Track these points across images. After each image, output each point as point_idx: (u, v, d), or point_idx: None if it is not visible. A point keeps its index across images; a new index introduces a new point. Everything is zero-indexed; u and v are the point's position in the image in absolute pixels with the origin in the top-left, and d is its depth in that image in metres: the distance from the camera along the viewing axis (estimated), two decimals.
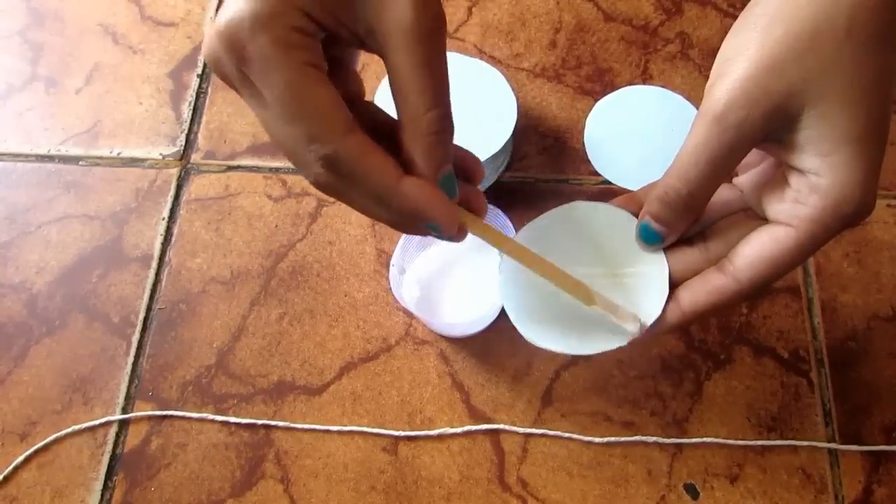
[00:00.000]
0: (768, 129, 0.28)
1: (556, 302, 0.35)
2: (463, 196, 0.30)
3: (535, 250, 0.35)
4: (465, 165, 0.31)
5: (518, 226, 0.44)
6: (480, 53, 0.58)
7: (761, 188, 0.32)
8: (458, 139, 0.50)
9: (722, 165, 0.29)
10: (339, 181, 0.27)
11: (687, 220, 0.32)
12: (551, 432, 0.46)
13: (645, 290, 0.34)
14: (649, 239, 0.33)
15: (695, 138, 0.29)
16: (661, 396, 0.47)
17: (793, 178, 0.29)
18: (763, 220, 0.32)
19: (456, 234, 0.29)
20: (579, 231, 0.36)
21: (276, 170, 0.55)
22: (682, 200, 0.30)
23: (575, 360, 0.48)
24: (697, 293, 0.32)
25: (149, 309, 0.50)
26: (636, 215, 0.36)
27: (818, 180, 0.28)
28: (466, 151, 0.31)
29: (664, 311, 0.33)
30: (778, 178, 0.31)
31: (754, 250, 0.30)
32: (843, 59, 0.27)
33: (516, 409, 0.47)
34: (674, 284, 0.33)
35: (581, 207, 0.37)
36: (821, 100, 0.27)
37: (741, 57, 0.28)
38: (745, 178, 0.34)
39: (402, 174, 0.27)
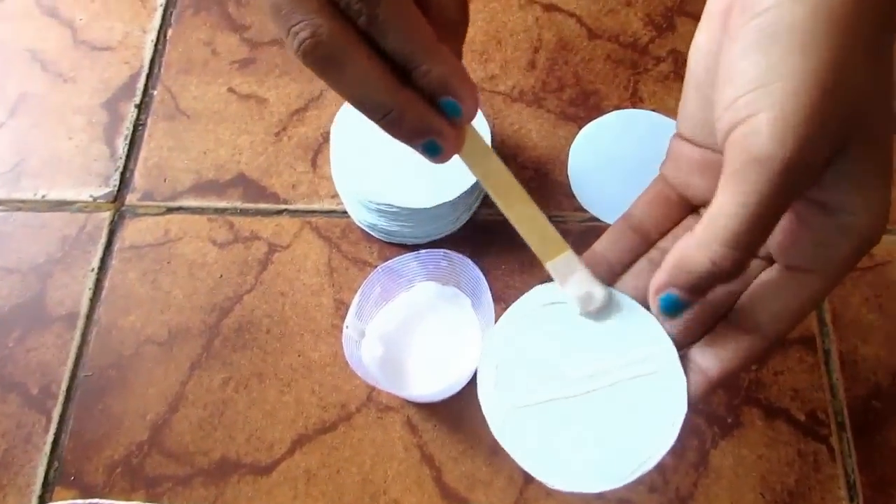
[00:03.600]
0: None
1: (571, 429, 0.29)
2: None
3: (511, 366, 0.30)
4: None
5: (490, 270, 0.38)
6: None
7: None
8: (424, 174, 0.44)
9: (778, 219, 0.25)
10: (348, 39, 0.23)
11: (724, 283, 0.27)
12: None
13: (660, 382, 0.29)
14: (674, 310, 0.28)
15: (747, 196, 0.24)
16: (660, 469, 0.41)
17: (814, 218, 0.26)
18: (760, 259, 0.28)
19: (456, 139, 0.26)
20: (557, 326, 0.30)
21: (223, 210, 0.48)
22: (736, 267, 0.25)
23: None
24: (724, 358, 0.28)
25: (73, 377, 0.44)
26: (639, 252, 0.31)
27: (851, 219, 0.25)
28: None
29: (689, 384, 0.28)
30: (786, 216, 0.27)
31: (782, 304, 0.27)
32: (869, 83, 0.24)
33: (495, 487, 0.41)
34: (678, 347, 0.29)
35: (544, 293, 0.31)
36: (861, 131, 0.24)
37: (787, 84, 0.23)
38: None
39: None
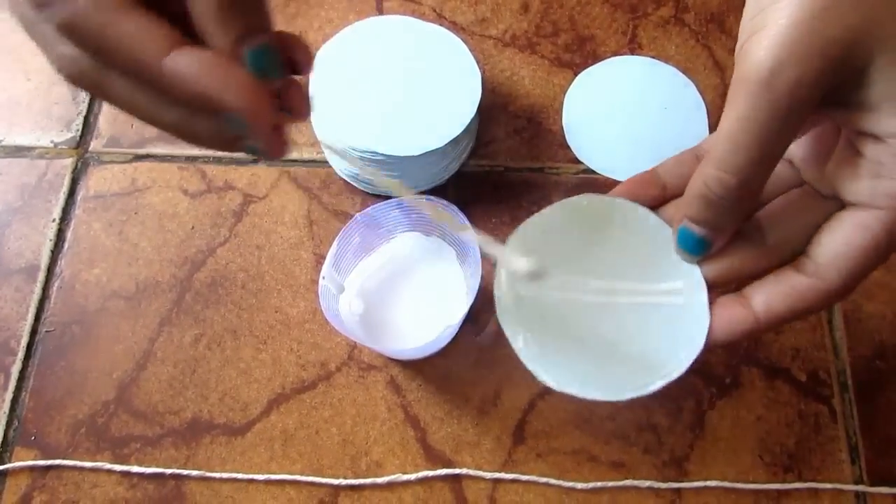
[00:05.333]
0: (828, 87, 0.23)
1: (581, 335, 0.29)
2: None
3: (538, 257, 0.28)
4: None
5: (479, 223, 0.36)
6: (440, 18, 0.49)
7: (822, 160, 0.27)
8: (411, 120, 0.41)
9: (776, 143, 0.23)
10: (88, 63, 0.20)
11: (739, 218, 0.26)
12: (524, 477, 0.38)
13: (682, 315, 0.28)
14: (693, 248, 0.27)
15: (736, 114, 0.23)
16: (655, 430, 0.39)
17: (868, 148, 0.24)
18: (826, 197, 0.27)
19: (271, 138, 0.22)
20: (593, 234, 0.30)
21: (194, 158, 0.45)
22: (732, 194, 0.24)
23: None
24: (775, 297, 0.26)
25: (34, 332, 0.41)
26: (655, 205, 0.30)
27: None
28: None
29: (729, 317, 0.27)
30: (845, 147, 0.25)
31: (839, 244, 0.25)
32: None
33: (482, 449, 0.39)
34: (728, 284, 0.28)
35: (592, 203, 0.30)
36: (892, 45, 0.22)
37: (783, 2, 0.22)
38: (796, 146, 0.28)
39: (173, 45, 0.20)
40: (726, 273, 0.27)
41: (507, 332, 0.28)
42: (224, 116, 0.21)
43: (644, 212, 0.29)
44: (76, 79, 0.21)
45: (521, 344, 0.28)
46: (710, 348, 0.27)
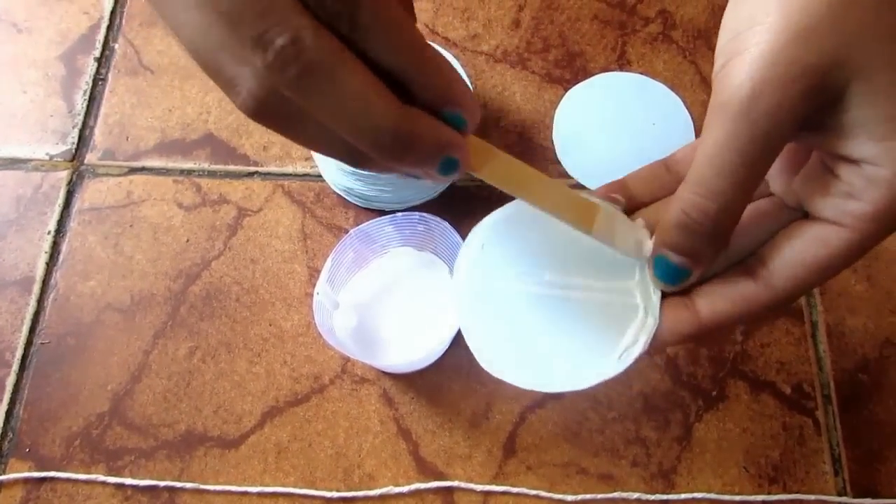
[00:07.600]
0: (807, 113, 0.23)
1: (526, 323, 0.29)
2: None
3: (496, 249, 0.29)
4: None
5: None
6: (432, 34, 0.50)
7: (792, 175, 0.27)
8: None
9: (756, 168, 0.23)
10: (335, 45, 0.19)
11: (719, 244, 0.25)
12: (515, 489, 0.38)
13: (628, 314, 0.28)
14: (670, 278, 0.26)
15: (716, 138, 0.23)
16: (643, 443, 0.40)
17: (841, 169, 0.24)
18: (794, 210, 0.27)
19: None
20: (560, 229, 0.29)
21: (189, 172, 0.46)
22: (711, 220, 0.24)
23: (543, 401, 0.40)
24: (720, 300, 0.26)
25: (29, 344, 0.41)
26: (626, 211, 0.30)
27: (877, 171, 0.23)
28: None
29: (673, 318, 0.27)
30: (817, 166, 0.25)
31: (795, 253, 0.25)
32: (889, 17, 0.22)
33: (474, 462, 0.39)
34: (686, 288, 0.27)
35: None
36: (869, 71, 0.22)
37: (760, 28, 0.22)
38: None
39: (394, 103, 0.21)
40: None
41: (457, 312, 0.29)
42: (448, 113, 0.22)
43: (616, 212, 0.29)
44: (297, 60, 0.19)
45: (465, 321, 0.28)
46: (656, 349, 0.27)
